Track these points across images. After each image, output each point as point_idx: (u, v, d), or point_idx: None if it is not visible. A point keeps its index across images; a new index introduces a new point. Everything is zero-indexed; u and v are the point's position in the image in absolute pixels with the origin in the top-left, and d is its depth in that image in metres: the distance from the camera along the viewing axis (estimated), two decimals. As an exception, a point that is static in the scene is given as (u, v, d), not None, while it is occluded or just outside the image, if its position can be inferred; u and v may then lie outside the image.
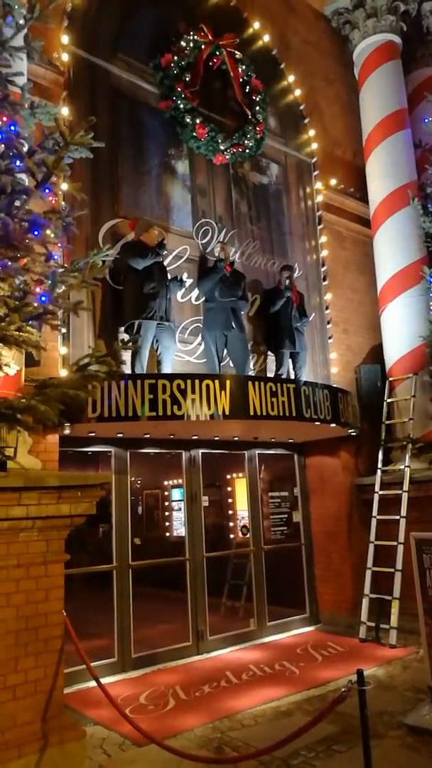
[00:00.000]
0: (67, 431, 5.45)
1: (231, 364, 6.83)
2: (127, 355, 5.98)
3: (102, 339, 5.68)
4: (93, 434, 5.96)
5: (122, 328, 6.13)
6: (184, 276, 6.68)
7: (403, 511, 6.99)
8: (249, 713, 4.77)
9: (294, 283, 7.54)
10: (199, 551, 6.79)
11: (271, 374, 7.36)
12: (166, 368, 6.18)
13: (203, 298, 6.88)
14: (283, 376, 7.16)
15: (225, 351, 6.76)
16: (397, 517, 6.99)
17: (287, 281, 7.41)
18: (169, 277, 6.46)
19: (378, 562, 7.10)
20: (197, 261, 7.13)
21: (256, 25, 8.36)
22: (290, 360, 7.40)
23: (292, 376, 7.33)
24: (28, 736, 3.62)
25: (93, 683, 5.05)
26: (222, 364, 6.74)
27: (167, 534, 8.38)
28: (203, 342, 6.79)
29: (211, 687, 5.40)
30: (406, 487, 7.12)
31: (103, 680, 4.43)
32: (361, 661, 5.62)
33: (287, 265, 7.75)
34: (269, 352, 7.52)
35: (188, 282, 6.75)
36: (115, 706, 3.96)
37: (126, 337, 6.02)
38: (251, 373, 7.08)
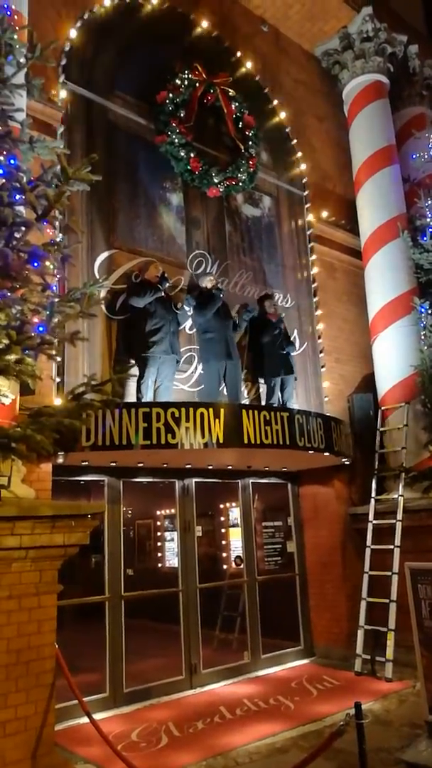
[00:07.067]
0: (60, 460, 5.44)
1: (225, 392, 6.85)
2: (133, 385, 6.20)
3: (115, 369, 5.89)
4: (86, 463, 5.94)
5: (132, 361, 6.31)
6: (178, 304, 6.78)
7: (398, 541, 6.96)
8: (243, 750, 4.67)
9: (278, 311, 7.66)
10: (192, 582, 6.71)
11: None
12: (164, 397, 6.21)
13: (198, 329, 6.94)
14: (275, 405, 7.18)
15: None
16: (392, 547, 6.97)
17: (282, 314, 7.52)
18: (176, 310, 6.63)
19: (373, 593, 7.04)
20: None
21: (249, 65, 8.62)
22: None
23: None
24: (18, 775, 3.53)
25: (83, 719, 4.96)
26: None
27: (160, 564, 8.27)
28: (204, 372, 6.82)
29: (204, 723, 5.29)
30: (399, 516, 7.12)
31: (94, 716, 4.32)
32: (357, 695, 5.51)
33: (266, 294, 7.84)
34: (261, 380, 7.55)
35: (188, 310, 6.85)
36: (108, 744, 3.87)
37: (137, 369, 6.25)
38: (245, 401, 7.11)
